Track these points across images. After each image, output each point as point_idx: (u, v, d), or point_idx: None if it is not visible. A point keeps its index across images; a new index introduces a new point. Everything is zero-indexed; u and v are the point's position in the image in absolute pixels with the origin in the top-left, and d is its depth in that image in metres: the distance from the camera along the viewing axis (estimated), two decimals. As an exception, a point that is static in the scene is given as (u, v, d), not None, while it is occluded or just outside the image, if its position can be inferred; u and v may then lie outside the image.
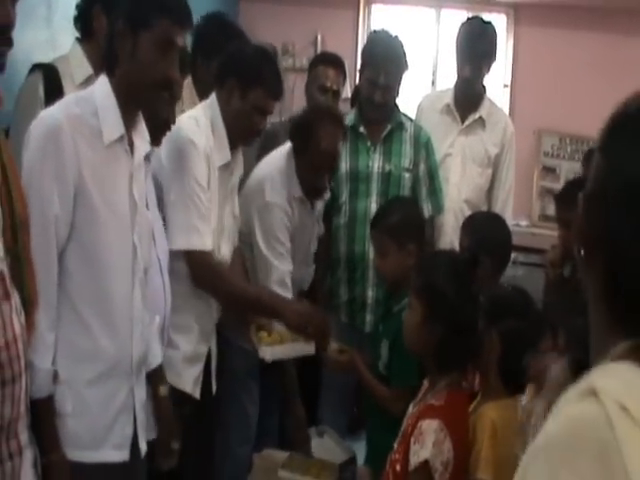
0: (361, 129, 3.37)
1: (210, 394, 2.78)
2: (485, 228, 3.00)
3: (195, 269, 2.59)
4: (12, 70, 2.75)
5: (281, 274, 2.97)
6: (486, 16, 6.26)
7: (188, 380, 2.62)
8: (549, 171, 5.89)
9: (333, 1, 6.29)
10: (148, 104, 2.02)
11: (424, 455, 1.98)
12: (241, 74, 2.64)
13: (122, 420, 2.00)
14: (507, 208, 3.61)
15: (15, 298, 1.66)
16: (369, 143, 3.37)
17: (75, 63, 2.53)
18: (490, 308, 2.16)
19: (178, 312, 2.48)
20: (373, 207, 3.31)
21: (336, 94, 3.90)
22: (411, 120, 3.50)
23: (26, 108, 2.39)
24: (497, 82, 5.77)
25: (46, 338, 1.86)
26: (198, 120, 2.61)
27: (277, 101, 2.74)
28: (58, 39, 3.14)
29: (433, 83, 6.42)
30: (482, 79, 3.57)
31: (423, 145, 3.41)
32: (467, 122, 3.62)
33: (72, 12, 2.57)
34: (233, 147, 2.71)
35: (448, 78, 6.33)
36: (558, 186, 5.08)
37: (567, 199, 2.93)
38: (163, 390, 2.25)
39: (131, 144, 1.99)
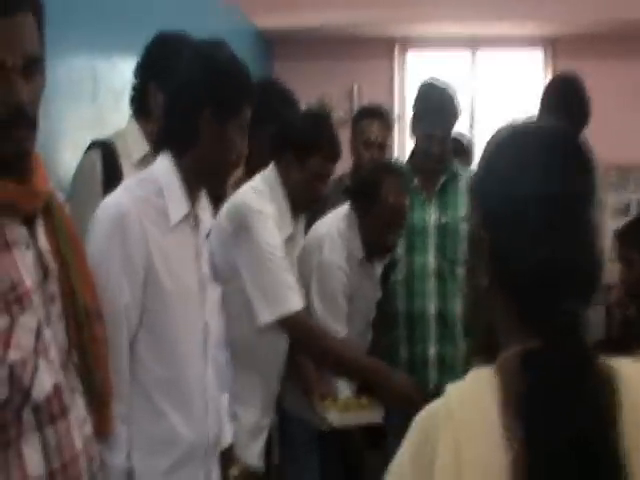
0: (415, 182, 3.32)
1: (271, 466, 2.72)
2: None
3: (292, 334, 2.53)
4: (58, 147, 2.78)
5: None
6: (523, 52, 6.33)
7: (253, 452, 2.57)
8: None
9: (368, 51, 6.31)
10: (220, 183, 2.03)
11: None
12: (297, 146, 2.63)
13: None
14: None
15: (77, 409, 1.57)
16: (424, 196, 3.32)
17: (132, 140, 2.52)
18: None
19: (241, 385, 2.42)
20: (431, 262, 3.25)
21: (382, 147, 3.86)
22: (466, 169, 3.44)
23: (84, 187, 2.37)
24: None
25: (119, 433, 1.80)
26: (259, 190, 2.59)
27: (336, 163, 2.72)
28: (105, 115, 3.15)
29: (472, 125, 6.38)
30: None
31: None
32: None
33: (118, 86, 2.57)
34: (295, 217, 2.68)
35: (486, 120, 6.36)
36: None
37: (630, 237, 2.90)
38: (234, 471, 2.20)
39: (195, 219, 1.97)
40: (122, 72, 2.94)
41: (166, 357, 1.87)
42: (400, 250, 3.27)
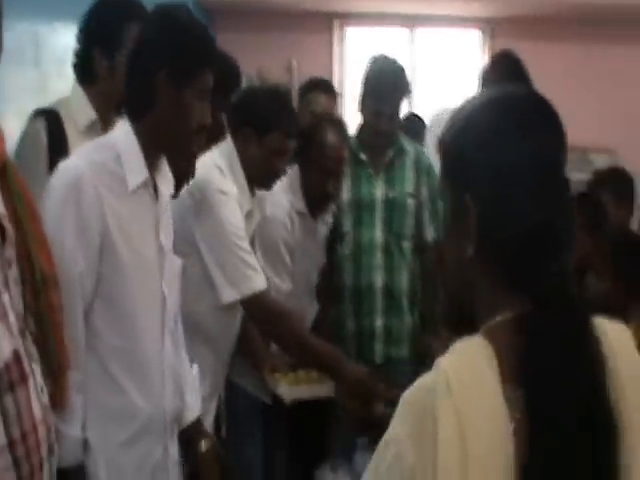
0: (362, 156, 3.32)
1: (220, 440, 2.70)
2: None
3: (254, 314, 2.55)
4: (1, 114, 2.68)
5: (281, 293, 2.89)
6: (459, 32, 6.38)
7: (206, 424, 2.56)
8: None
9: (307, 26, 6.28)
10: (180, 153, 1.98)
11: None
12: (257, 121, 2.61)
13: None
14: None
15: (35, 376, 1.53)
16: (371, 170, 3.32)
17: (77, 107, 2.45)
18: None
19: (192, 359, 2.40)
20: (378, 236, 3.26)
21: (328, 118, 3.84)
22: (413, 144, 3.46)
23: (29, 156, 2.30)
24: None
25: (74, 403, 1.75)
26: (221, 169, 2.55)
27: (294, 139, 2.70)
28: (48, 81, 3.06)
29: (409, 102, 6.42)
30: None
31: (425, 169, 3.37)
32: None
33: (60, 52, 2.50)
34: (252, 192, 2.67)
35: (423, 97, 6.41)
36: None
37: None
38: (204, 445, 2.11)
39: (155, 188, 1.92)
40: (64, 37, 2.86)
41: (122, 327, 1.83)
42: (347, 224, 3.28)
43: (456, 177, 1.08)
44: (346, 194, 3.27)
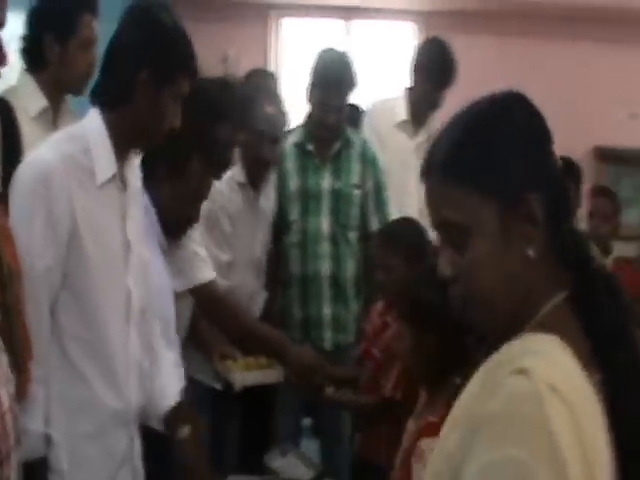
0: (309, 147, 3.35)
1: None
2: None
3: (204, 303, 2.61)
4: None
5: (221, 264, 2.93)
6: (395, 25, 6.46)
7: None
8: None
9: (243, 17, 6.26)
10: (147, 147, 1.99)
11: None
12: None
13: (122, 475, 1.90)
14: None
15: (2, 366, 1.53)
16: (318, 161, 3.36)
17: (27, 94, 2.42)
18: None
19: None
20: (325, 225, 3.31)
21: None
22: (359, 136, 3.51)
23: None
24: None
25: (37, 395, 1.74)
26: None
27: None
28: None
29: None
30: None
31: (370, 161, 3.43)
32: (420, 137, 3.72)
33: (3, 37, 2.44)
34: None
35: (359, 88, 6.46)
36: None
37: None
38: (183, 432, 2.07)
39: (123, 180, 1.91)
40: (8, 23, 2.80)
41: (87, 320, 1.83)
42: (294, 213, 3.31)
43: (507, 184, 1.02)
44: (293, 184, 3.31)
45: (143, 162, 2.13)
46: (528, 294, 1.01)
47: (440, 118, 3.70)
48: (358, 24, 6.48)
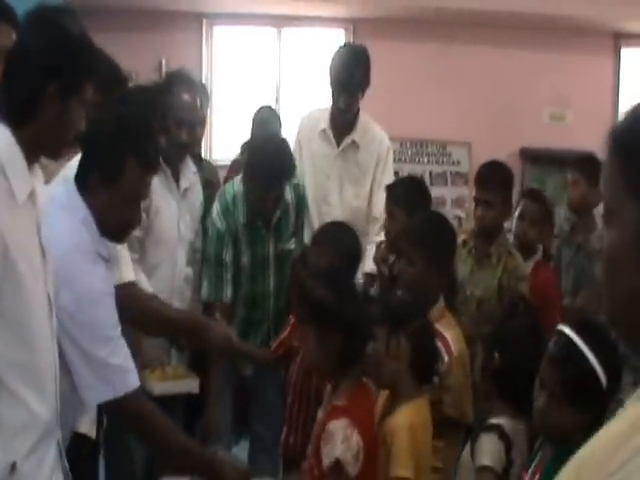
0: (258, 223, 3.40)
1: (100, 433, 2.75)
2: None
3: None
4: None
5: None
6: (325, 32, 6.59)
7: (85, 421, 2.59)
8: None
9: (176, 26, 6.33)
10: (57, 155, 2.00)
11: (335, 454, 2.11)
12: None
13: (55, 477, 1.92)
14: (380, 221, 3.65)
15: None
16: (264, 231, 3.41)
17: None
18: (392, 315, 2.29)
19: None
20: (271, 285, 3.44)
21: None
22: (292, 186, 3.48)
23: None
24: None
25: None
26: None
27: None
28: None
29: (277, 101, 6.58)
30: (357, 105, 3.74)
31: (300, 203, 3.52)
32: (342, 146, 3.77)
33: None
34: None
35: (291, 95, 6.58)
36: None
37: (394, 192, 3.20)
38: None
39: (32, 191, 1.86)
40: None
41: (21, 343, 1.79)
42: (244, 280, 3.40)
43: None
44: (245, 255, 3.39)
45: (76, 176, 2.15)
46: None
47: (372, 125, 3.80)
48: (289, 32, 6.61)
